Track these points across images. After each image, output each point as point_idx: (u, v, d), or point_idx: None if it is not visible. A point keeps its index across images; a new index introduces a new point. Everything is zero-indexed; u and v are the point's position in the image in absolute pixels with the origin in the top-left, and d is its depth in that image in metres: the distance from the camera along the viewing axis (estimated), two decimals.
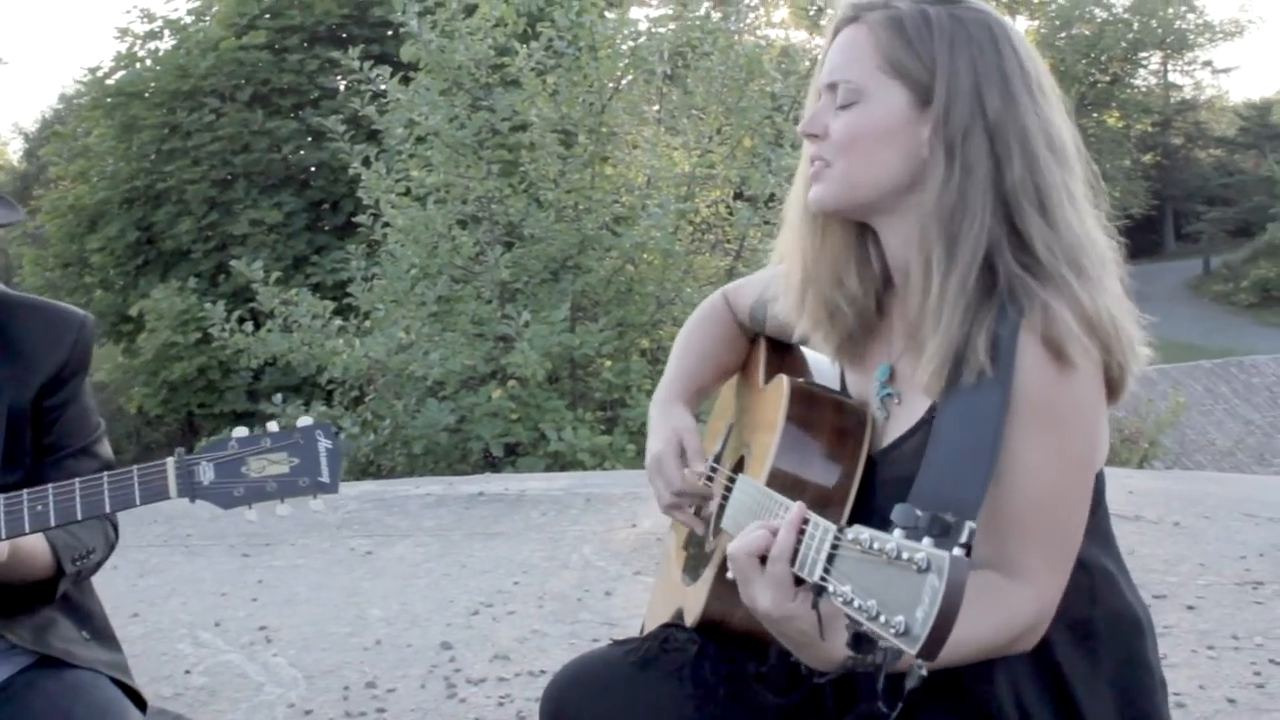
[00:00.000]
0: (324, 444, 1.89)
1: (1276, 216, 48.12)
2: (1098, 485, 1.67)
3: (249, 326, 10.17)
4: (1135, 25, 53.79)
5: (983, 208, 1.58)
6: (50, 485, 1.88)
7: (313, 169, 17.57)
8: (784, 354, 2.04)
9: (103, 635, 2.20)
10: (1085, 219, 1.64)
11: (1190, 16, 54.79)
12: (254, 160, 17.41)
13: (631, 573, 4.26)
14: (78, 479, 1.89)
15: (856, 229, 1.74)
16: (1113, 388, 1.61)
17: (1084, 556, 1.63)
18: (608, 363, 9.87)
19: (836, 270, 1.75)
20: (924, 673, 1.22)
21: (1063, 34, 53.67)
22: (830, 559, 1.30)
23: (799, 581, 1.39)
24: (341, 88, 17.39)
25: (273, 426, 1.91)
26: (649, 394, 9.31)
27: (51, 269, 20.34)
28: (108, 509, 1.87)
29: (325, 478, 1.88)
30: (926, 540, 1.20)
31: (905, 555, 1.18)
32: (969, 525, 1.22)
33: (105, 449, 2.21)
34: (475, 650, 3.59)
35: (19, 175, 40.52)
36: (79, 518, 1.87)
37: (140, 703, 2.15)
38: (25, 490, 1.88)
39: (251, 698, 3.31)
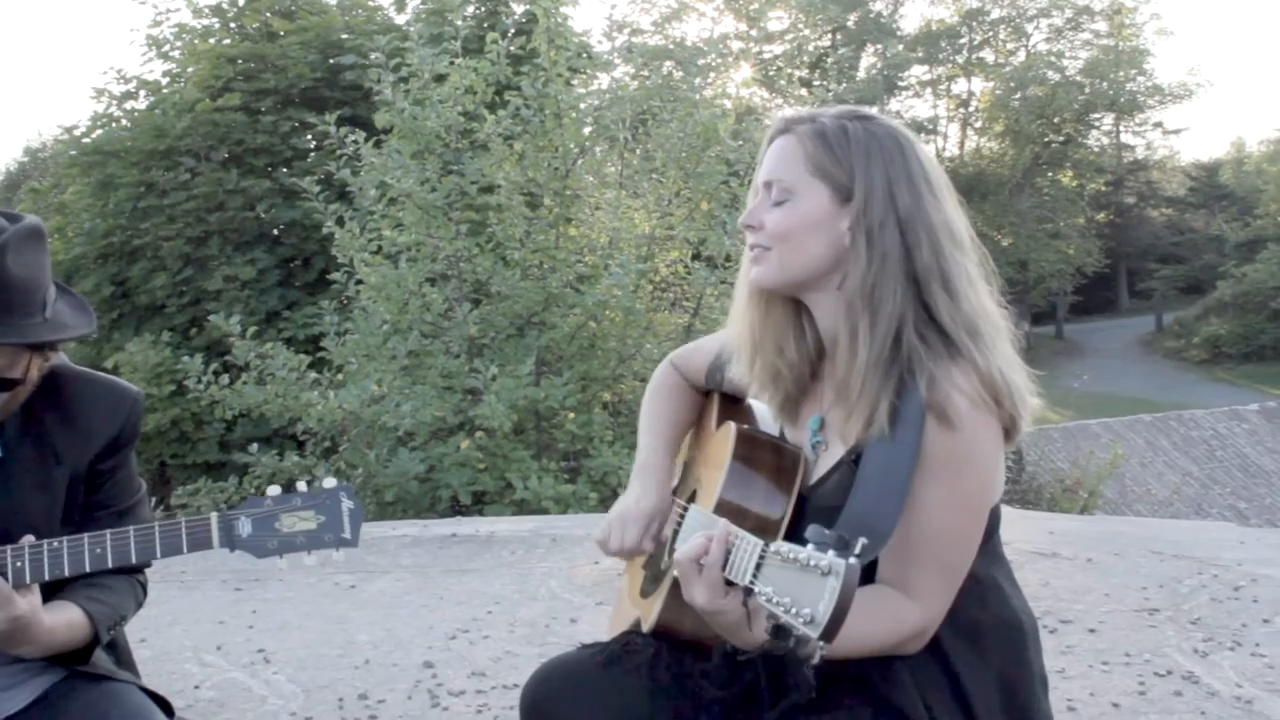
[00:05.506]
0: (346, 504, 2.11)
1: (1225, 275, 49.10)
2: (994, 515, 2.01)
3: (224, 379, 10.23)
4: (1087, 88, 54.71)
5: (897, 288, 1.88)
6: (108, 530, 2.07)
7: (284, 227, 17.72)
8: (734, 405, 2.33)
9: (127, 664, 2.42)
10: (981, 294, 1.94)
11: (1140, 79, 55.80)
12: (228, 218, 17.46)
13: (594, 603, 4.60)
14: (132, 526, 2.08)
15: (793, 305, 2.03)
16: (1008, 432, 1.91)
17: (978, 571, 1.97)
18: (571, 415, 10.04)
19: (778, 340, 2.04)
20: (823, 649, 1.51)
21: (1017, 96, 54.60)
22: (758, 566, 1.60)
23: (729, 584, 1.71)
24: (313, 149, 17.60)
25: (302, 487, 2.13)
26: (610, 445, 9.65)
27: None
28: (158, 555, 2.07)
29: (347, 534, 2.11)
30: (830, 552, 1.48)
31: (813, 563, 1.48)
32: (861, 541, 1.50)
33: (145, 511, 2.34)
34: (455, 668, 3.94)
35: None
36: (133, 561, 2.07)
37: (168, 710, 2.36)
38: (85, 534, 2.06)
39: (257, 708, 3.66)
